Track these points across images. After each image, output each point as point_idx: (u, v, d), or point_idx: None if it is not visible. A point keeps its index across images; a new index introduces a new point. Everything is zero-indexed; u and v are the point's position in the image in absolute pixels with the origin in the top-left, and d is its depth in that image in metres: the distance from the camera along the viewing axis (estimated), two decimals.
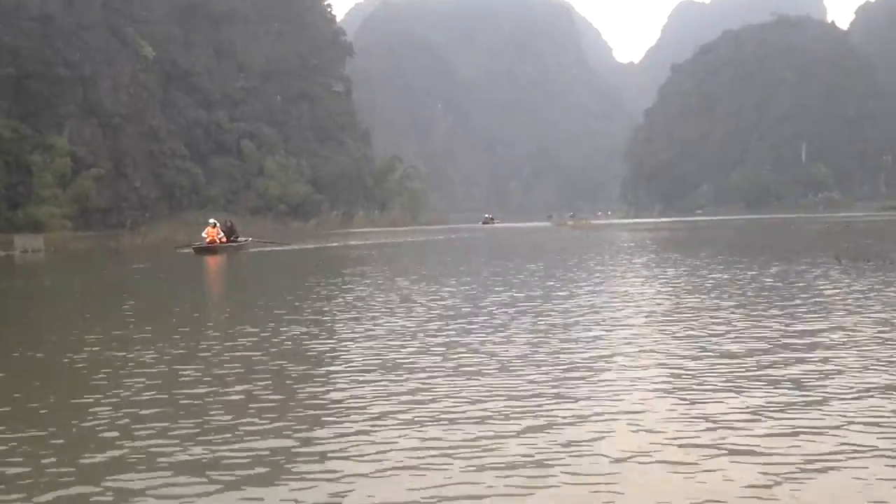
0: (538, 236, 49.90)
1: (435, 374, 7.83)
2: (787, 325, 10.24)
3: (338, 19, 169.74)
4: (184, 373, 8.27)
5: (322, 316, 12.69)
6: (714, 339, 9.32)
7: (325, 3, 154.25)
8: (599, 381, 7.35)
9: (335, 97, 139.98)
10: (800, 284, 15.12)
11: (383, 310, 12.97)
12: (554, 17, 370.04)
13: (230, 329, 11.46)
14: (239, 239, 40.57)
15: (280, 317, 12.48)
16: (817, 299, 12.85)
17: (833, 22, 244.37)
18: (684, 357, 8.30)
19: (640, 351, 8.77)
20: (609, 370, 7.81)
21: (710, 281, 16.24)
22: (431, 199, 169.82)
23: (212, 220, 38.79)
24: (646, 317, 11.40)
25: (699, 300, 13.14)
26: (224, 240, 37.74)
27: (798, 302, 12.55)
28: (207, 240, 37.10)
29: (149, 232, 67.44)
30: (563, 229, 63.43)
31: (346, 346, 9.61)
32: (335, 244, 47.51)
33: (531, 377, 7.52)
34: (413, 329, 10.71)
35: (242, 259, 33.82)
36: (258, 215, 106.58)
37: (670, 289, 15.14)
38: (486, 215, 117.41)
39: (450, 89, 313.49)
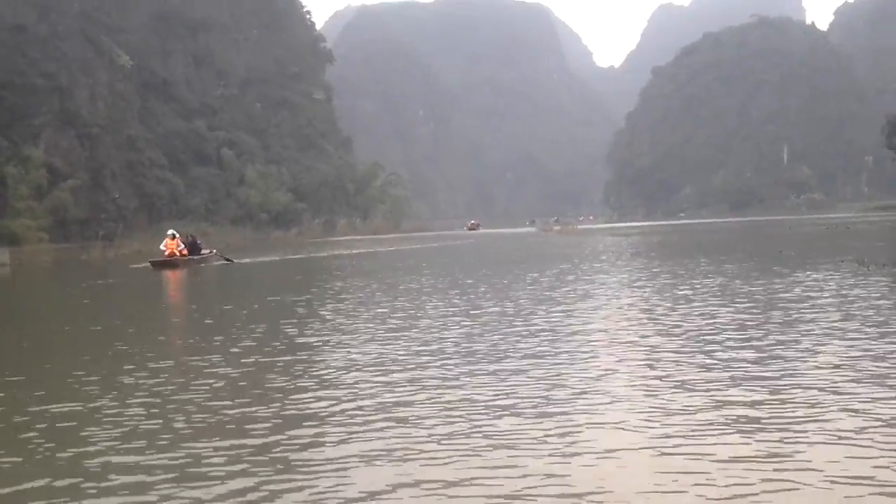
0: (527, 243, 48.59)
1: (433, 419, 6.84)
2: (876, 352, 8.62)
3: (317, 26, 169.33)
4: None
5: (289, 348, 10.60)
6: (790, 368, 7.93)
7: (305, 10, 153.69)
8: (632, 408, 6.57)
9: (316, 104, 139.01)
10: (846, 294, 13.63)
11: (364, 335, 11.26)
12: (534, 22, 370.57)
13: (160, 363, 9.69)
14: (202, 252, 37.50)
15: (232, 346, 10.74)
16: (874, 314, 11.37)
17: (813, 23, 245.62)
18: (756, 396, 6.91)
19: (680, 383, 7.71)
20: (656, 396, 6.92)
21: (744, 294, 14.32)
22: (414, 206, 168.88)
23: (171, 231, 35.73)
24: (687, 341, 9.76)
25: (744, 318, 11.46)
26: (185, 252, 34.77)
27: (856, 318, 10.97)
28: (166, 252, 34.24)
29: (122, 244, 65.63)
30: (550, 235, 62.32)
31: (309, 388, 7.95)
32: (316, 254, 45.17)
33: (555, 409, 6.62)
34: (398, 359, 9.32)
35: (205, 273, 31.41)
36: (239, 225, 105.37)
37: (703, 304, 13.19)
38: (471, 221, 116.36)
39: (431, 95, 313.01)
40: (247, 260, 38.69)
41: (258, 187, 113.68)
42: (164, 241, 34.81)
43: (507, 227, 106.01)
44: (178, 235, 35.32)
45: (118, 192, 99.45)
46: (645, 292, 15.42)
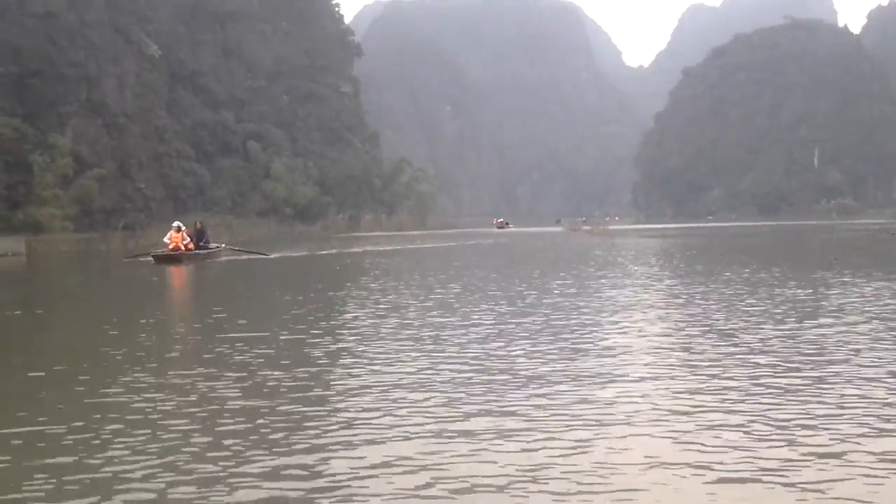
0: (563, 244, 46.74)
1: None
2: None
3: (346, 20, 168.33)
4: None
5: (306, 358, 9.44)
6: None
7: (334, 2, 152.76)
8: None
9: (343, 98, 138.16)
10: None
11: (387, 352, 9.80)
12: (563, 21, 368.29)
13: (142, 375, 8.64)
14: (210, 245, 34.77)
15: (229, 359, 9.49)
16: None
17: (846, 26, 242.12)
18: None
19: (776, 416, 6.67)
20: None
21: (829, 310, 12.93)
22: (440, 202, 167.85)
23: (176, 224, 33.52)
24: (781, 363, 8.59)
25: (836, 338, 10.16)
26: (191, 246, 32.46)
27: None
28: (170, 246, 31.87)
29: (143, 235, 64.92)
30: (579, 235, 60.81)
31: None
32: (335, 250, 43.35)
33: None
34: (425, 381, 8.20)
35: (213, 270, 29.25)
36: (264, 218, 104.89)
37: (785, 322, 11.71)
38: (500, 219, 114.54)
39: (458, 92, 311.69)
40: (274, 255, 36.63)
41: (284, 180, 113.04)
42: (169, 234, 32.67)
43: (534, 227, 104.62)
44: (183, 228, 33.08)
45: (144, 182, 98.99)
46: (723, 308, 13.62)
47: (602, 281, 19.24)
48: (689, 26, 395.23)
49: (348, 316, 13.54)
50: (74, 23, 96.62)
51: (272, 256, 35.47)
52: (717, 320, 11.96)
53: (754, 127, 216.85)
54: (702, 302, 14.25)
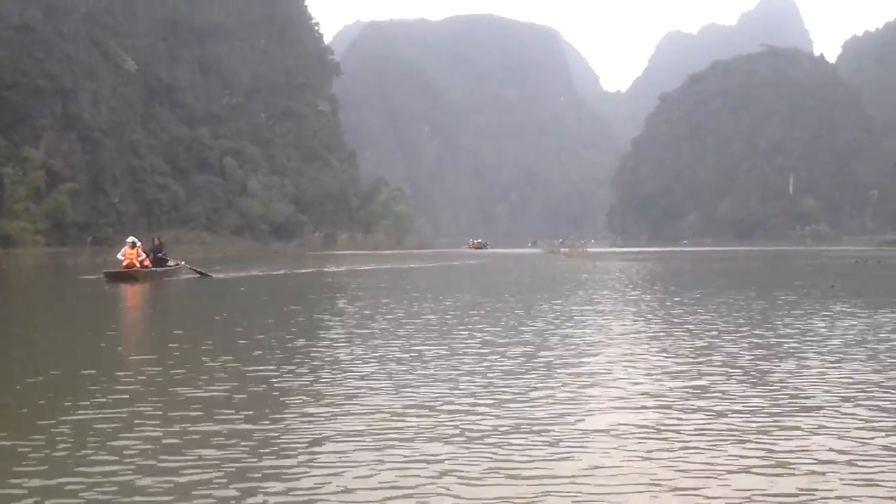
0: (546, 266, 45.40)
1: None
2: None
3: (326, 40, 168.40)
4: None
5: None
6: None
7: (313, 21, 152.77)
8: None
9: (321, 116, 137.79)
10: None
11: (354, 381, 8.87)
12: (542, 45, 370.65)
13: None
14: (168, 263, 32.69)
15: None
16: None
17: (822, 55, 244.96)
18: None
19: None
20: None
21: (847, 342, 12.10)
22: (417, 222, 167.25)
23: (131, 239, 30.49)
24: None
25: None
26: (147, 263, 30.08)
27: None
28: (124, 262, 29.43)
29: (112, 250, 63.52)
30: (558, 257, 60.14)
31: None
32: (310, 269, 41.15)
33: None
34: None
35: (170, 289, 26.96)
36: (239, 235, 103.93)
37: (804, 358, 10.64)
38: (477, 240, 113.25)
39: (437, 113, 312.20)
40: (224, 275, 34.06)
41: (260, 198, 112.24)
42: (123, 250, 30.06)
43: (512, 248, 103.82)
44: (139, 244, 30.40)
45: (118, 197, 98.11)
46: (742, 341, 12.28)
47: (603, 307, 18.25)
48: (667, 53, 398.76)
49: (314, 344, 12.22)
50: (51, 35, 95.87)
51: (219, 277, 33.10)
52: (741, 357, 10.70)
53: (731, 153, 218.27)
54: (719, 335, 12.91)
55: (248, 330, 14.00)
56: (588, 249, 72.94)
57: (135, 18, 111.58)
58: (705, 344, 11.92)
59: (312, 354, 11.05)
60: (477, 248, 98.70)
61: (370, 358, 10.50)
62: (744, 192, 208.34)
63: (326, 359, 10.59)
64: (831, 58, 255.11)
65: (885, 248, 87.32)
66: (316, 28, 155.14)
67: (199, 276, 32.40)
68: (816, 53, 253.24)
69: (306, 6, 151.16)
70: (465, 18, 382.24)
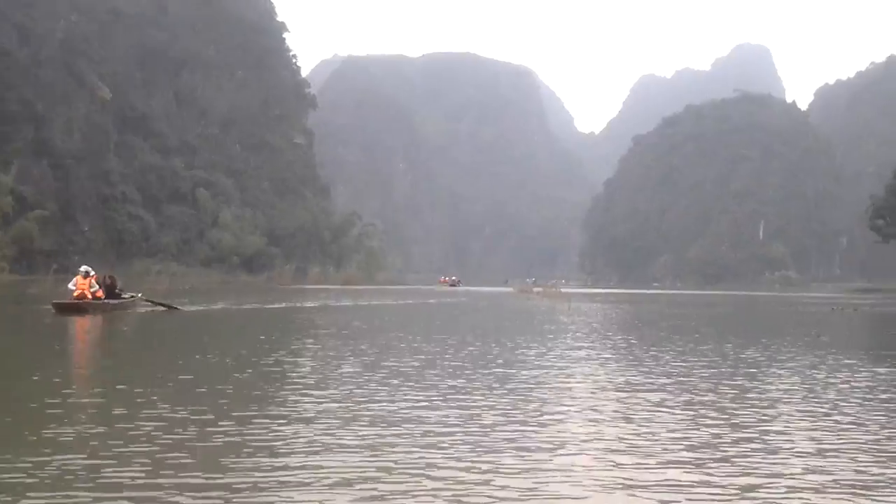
0: (522, 306, 44.56)
1: None
2: None
3: (304, 73, 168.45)
4: None
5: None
6: None
7: (291, 54, 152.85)
8: None
9: (296, 149, 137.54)
10: None
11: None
12: (518, 84, 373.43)
13: None
14: (123, 295, 30.80)
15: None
16: None
17: (794, 102, 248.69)
18: None
19: None
20: None
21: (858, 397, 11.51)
22: (389, 257, 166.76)
23: (83, 268, 28.57)
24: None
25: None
26: (100, 294, 28.23)
27: None
28: (75, 293, 27.46)
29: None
30: (531, 297, 59.51)
31: None
32: (280, 304, 39.68)
33: None
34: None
35: (124, 323, 25.35)
36: (209, 267, 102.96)
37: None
38: (451, 276, 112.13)
39: (413, 148, 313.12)
40: (188, 308, 32.23)
41: (232, 230, 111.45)
42: (75, 279, 27.98)
43: (485, 286, 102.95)
44: (92, 273, 28.35)
45: (88, 225, 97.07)
46: (735, 397, 11.42)
47: (592, 353, 17.51)
48: (641, 96, 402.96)
49: (276, 391, 11.28)
50: (27, 60, 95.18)
51: (189, 310, 31.51)
52: (745, 413, 10.20)
53: (702, 197, 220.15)
54: (716, 387, 12.44)
55: (202, 371, 13.06)
56: (561, 290, 72.61)
57: (111, 46, 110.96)
58: (707, 399, 11.22)
59: (274, 403, 10.26)
60: (451, 285, 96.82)
61: (339, 410, 9.51)
62: (714, 236, 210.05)
63: (289, 409, 9.71)
64: (803, 105, 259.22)
65: (856, 295, 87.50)
66: (293, 61, 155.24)
67: (165, 309, 30.65)
68: (789, 100, 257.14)
69: (284, 39, 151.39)
70: (443, 56, 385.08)
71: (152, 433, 7.92)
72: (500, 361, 15.46)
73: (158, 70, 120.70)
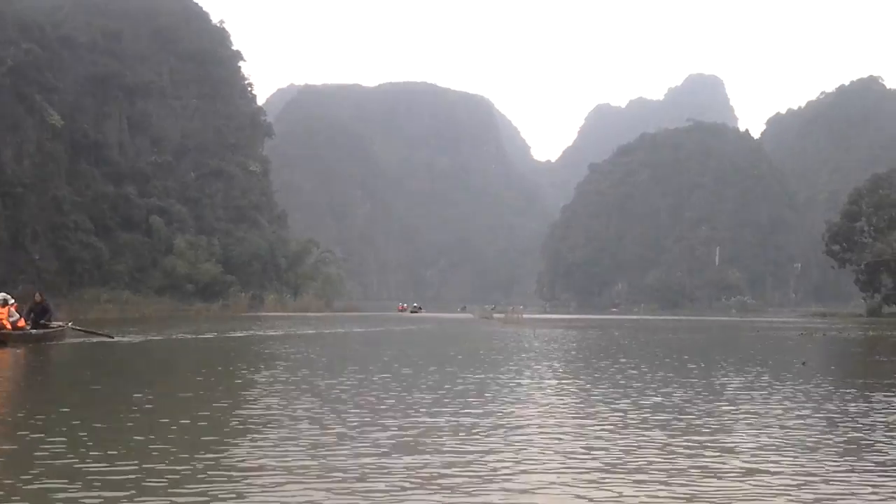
0: (487, 332, 43.67)
1: None
2: None
3: (260, 102, 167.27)
4: None
5: None
6: None
7: (246, 82, 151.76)
8: None
9: (251, 177, 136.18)
10: None
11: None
12: (474, 113, 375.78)
13: None
14: (51, 324, 28.10)
15: None
16: None
17: (747, 130, 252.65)
18: None
19: None
20: None
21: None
22: (347, 285, 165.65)
23: (1, 296, 25.75)
24: None
25: None
26: (21, 324, 25.76)
27: None
28: None
29: (24, 307, 60.63)
30: (491, 323, 58.98)
31: None
32: (238, 333, 38.05)
33: None
34: None
35: (50, 355, 23.15)
36: (163, 294, 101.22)
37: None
38: (413, 304, 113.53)
39: (369, 176, 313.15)
40: (133, 339, 30.32)
41: (186, 257, 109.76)
42: None
43: (443, 312, 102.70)
44: (11, 301, 25.84)
45: (38, 253, 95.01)
46: (736, 432, 10.40)
47: (570, 382, 16.77)
48: (596, 125, 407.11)
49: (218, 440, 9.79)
50: None
51: (122, 340, 29.28)
52: (749, 450, 9.03)
53: (658, 224, 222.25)
54: (716, 418, 11.47)
55: (143, 413, 11.37)
56: (522, 315, 72.24)
57: (63, 73, 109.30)
58: (709, 441, 9.70)
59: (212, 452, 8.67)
60: (413, 311, 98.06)
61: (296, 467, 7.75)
62: (670, 262, 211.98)
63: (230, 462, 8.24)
64: (756, 134, 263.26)
65: (814, 320, 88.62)
66: (249, 89, 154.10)
67: (101, 338, 28.56)
68: (741, 129, 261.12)
69: (239, 67, 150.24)
70: (400, 85, 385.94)
71: None
72: (488, 395, 13.89)
73: (111, 97, 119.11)
